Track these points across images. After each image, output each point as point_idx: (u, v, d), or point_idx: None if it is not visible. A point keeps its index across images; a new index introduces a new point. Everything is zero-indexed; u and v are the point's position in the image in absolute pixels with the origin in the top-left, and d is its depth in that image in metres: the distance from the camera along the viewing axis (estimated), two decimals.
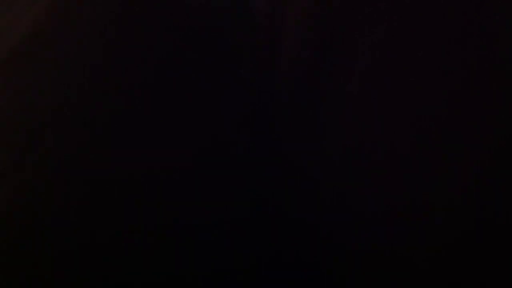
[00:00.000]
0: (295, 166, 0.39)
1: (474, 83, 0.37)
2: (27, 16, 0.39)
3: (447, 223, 0.36)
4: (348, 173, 0.38)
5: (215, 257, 0.38)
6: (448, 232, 0.36)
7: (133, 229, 0.39)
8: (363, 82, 0.38)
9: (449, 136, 0.37)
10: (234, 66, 0.39)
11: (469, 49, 0.37)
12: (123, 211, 0.39)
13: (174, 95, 0.39)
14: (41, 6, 0.39)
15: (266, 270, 0.39)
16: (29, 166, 0.38)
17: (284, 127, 0.39)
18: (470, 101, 0.37)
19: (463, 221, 0.36)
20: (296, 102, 0.39)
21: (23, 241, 0.37)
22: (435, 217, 0.36)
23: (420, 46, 0.38)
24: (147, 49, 0.39)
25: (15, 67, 0.39)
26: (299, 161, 0.39)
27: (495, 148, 0.36)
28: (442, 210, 0.36)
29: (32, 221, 0.37)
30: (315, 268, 0.38)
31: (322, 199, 0.38)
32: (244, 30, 0.39)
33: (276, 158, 0.39)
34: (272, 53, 0.39)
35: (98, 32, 0.39)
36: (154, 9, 0.39)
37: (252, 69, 0.39)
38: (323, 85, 0.39)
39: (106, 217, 0.39)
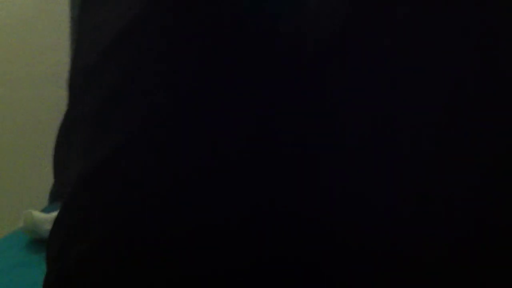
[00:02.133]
0: (306, 165, 0.39)
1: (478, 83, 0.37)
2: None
3: (454, 223, 0.36)
4: (357, 173, 0.38)
5: (217, 257, 0.38)
6: (455, 232, 0.36)
7: (137, 230, 0.39)
8: (370, 82, 0.39)
9: (456, 136, 0.37)
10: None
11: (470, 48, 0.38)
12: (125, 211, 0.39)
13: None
14: None
15: (266, 270, 0.39)
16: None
17: (295, 121, 0.39)
18: (473, 102, 0.37)
19: (470, 222, 0.36)
20: (309, 100, 0.39)
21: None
22: (443, 218, 0.37)
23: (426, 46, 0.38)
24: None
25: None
26: (310, 160, 0.39)
27: (499, 148, 0.37)
28: (450, 211, 0.36)
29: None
30: (324, 267, 0.38)
31: (332, 198, 0.38)
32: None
33: (286, 156, 0.39)
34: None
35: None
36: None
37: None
38: (334, 82, 0.39)
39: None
